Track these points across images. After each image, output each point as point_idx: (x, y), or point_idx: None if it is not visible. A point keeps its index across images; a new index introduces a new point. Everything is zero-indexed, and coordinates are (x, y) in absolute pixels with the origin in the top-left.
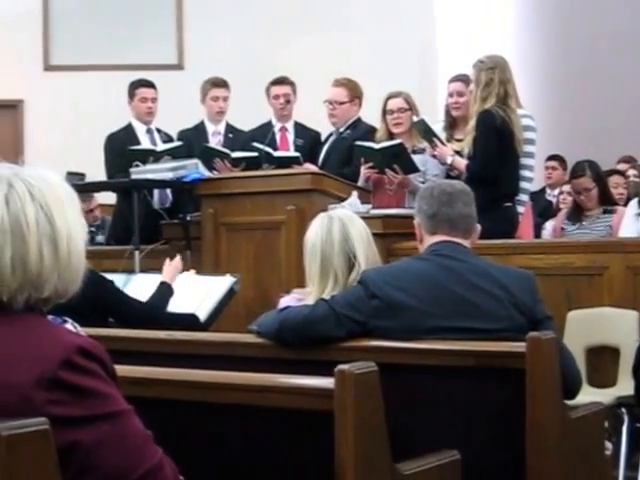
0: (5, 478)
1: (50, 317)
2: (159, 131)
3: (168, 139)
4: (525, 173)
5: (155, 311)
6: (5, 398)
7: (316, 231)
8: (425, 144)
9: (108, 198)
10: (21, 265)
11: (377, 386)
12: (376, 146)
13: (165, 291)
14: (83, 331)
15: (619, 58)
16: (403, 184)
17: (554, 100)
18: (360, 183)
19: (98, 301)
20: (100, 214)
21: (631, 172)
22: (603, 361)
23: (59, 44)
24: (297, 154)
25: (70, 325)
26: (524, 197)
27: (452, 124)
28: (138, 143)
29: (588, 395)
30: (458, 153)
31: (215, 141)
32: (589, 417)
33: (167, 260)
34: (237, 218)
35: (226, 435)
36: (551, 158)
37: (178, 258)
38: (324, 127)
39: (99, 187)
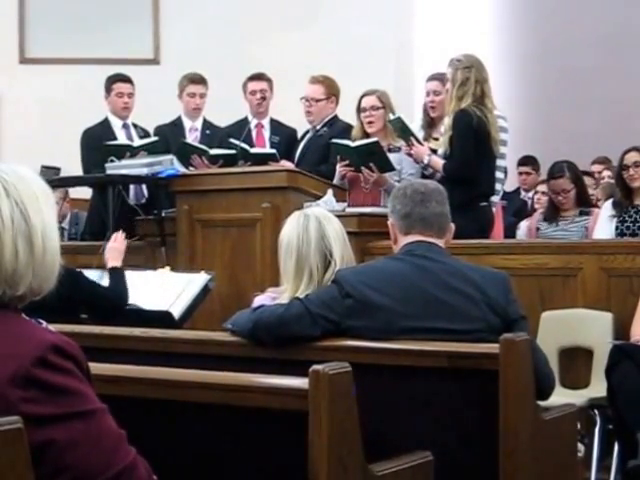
0: None
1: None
2: (135, 126)
3: (145, 134)
4: (497, 174)
5: (123, 300)
6: None
7: (292, 229)
8: (401, 142)
9: (80, 192)
10: None
11: (351, 386)
12: (352, 144)
13: (118, 276)
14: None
15: (595, 58)
16: (379, 182)
17: (528, 100)
18: (336, 181)
19: (73, 296)
20: (69, 209)
21: (606, 173)
22: (576, 362)
23: (35, 37)
24: (273, 151)
25: (45, 326)
26: (495, 198)
27: (430, 123)
28: (114, 138)
29: (561, 396)
30: (435, 152)
31: (192, 137)
32: (561, 419)
33: (110, 242)
34: (212, 215)
35: (200, 434)
36: (523, 163)
37: (119, 235)
38: (301, 124)
39: (74, 182)
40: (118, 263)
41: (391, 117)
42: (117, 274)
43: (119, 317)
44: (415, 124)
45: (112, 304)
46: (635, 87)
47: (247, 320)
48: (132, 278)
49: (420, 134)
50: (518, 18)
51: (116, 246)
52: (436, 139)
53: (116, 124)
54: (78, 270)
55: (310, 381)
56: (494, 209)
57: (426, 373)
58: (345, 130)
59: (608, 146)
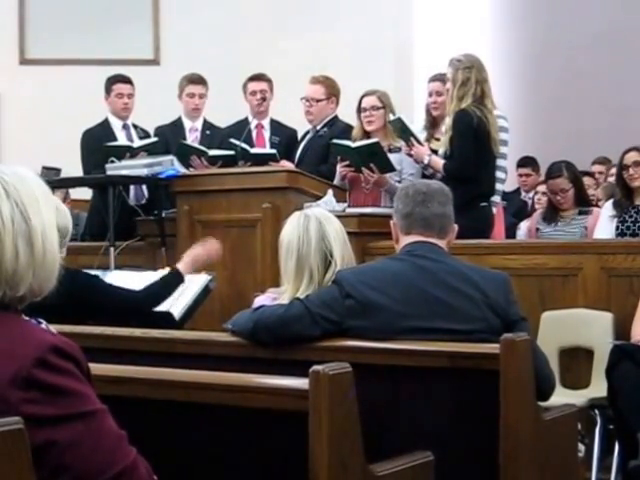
0: None
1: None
2: (135, 127)
3: (145, 135)
4: (498, 174)
5: (140, 303)
6: None
7: (292, 229)
8: (401, 143)
9: (82, 193)
10: None
11: (351, 387)
12: (353, 145)
13: (169, 280)
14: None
15: (594, 59)
16: (379, 183)
17: (528, 100)
18: (336, 181)
19: (84, 299)
20: (70, 210)
21: (611, 172)
22: (576, 362)
23: (35, 38)
24: (274, 151)
25: (44, 326)
26: (496, 198)
27: (432, 124)
28: (114, 139)
29: (561, 396)
30: (435, 152)
31: (192, 137)
32: (562, 419)
33: (197, 246)
34: (212, 215)
35: (200, 435)
36: (523, 164)
37: (212, 243)
38: (302, 125)
39: (74, 183)
40: (185, 271)
41: (391, 117)
42: (168, 278)
43: (134, 319)
44: (416, 124)
45: (124, 305)
46: (635, 87)
47: (247, 320)
48: (132, 279)
49: (422, 135)
50: (518, 18)
51: (203, 255)
52: (438, 139)
53: (116, 125)
54: (85, 271)
55: (310, 381)
56: (494, 209)
57: (426, 373)
58: (345, 130)
59: (608, 146)
